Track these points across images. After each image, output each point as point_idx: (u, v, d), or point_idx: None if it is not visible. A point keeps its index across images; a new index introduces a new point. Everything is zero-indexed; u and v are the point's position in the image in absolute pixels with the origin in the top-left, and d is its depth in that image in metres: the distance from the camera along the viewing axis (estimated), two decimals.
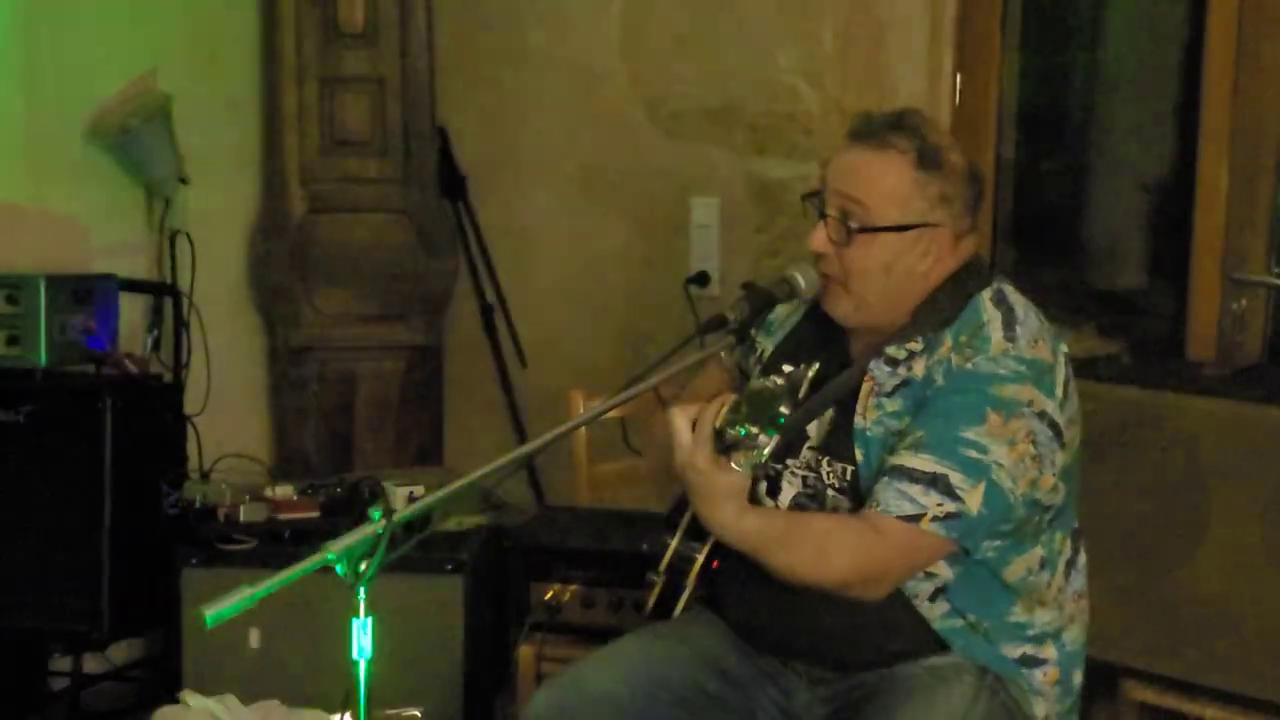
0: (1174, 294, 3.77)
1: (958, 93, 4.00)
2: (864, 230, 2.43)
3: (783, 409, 2.17)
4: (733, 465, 2.25)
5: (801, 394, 2.20)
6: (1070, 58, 4.17)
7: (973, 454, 2.33)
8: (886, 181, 2.43)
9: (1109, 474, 3.11)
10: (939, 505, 2.32)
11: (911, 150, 2.43)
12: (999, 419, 2.34)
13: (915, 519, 2.32)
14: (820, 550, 2.37)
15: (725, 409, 2.25)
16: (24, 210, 4.04)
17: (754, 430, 2.18)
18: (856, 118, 2.55)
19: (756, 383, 2.24)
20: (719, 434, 2.25)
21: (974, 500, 2.33)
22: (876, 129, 2.46)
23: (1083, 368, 2.74)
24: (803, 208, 2.56)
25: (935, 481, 2.32)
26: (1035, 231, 4.14)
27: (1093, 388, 3.07)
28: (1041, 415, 2.37)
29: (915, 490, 2.33)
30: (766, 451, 2.19)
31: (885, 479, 2.36)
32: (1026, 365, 2.38)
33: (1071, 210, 4.11)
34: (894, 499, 2.34)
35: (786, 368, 2.30)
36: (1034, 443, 2.36)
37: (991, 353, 2.38)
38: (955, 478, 2.32)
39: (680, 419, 2.31)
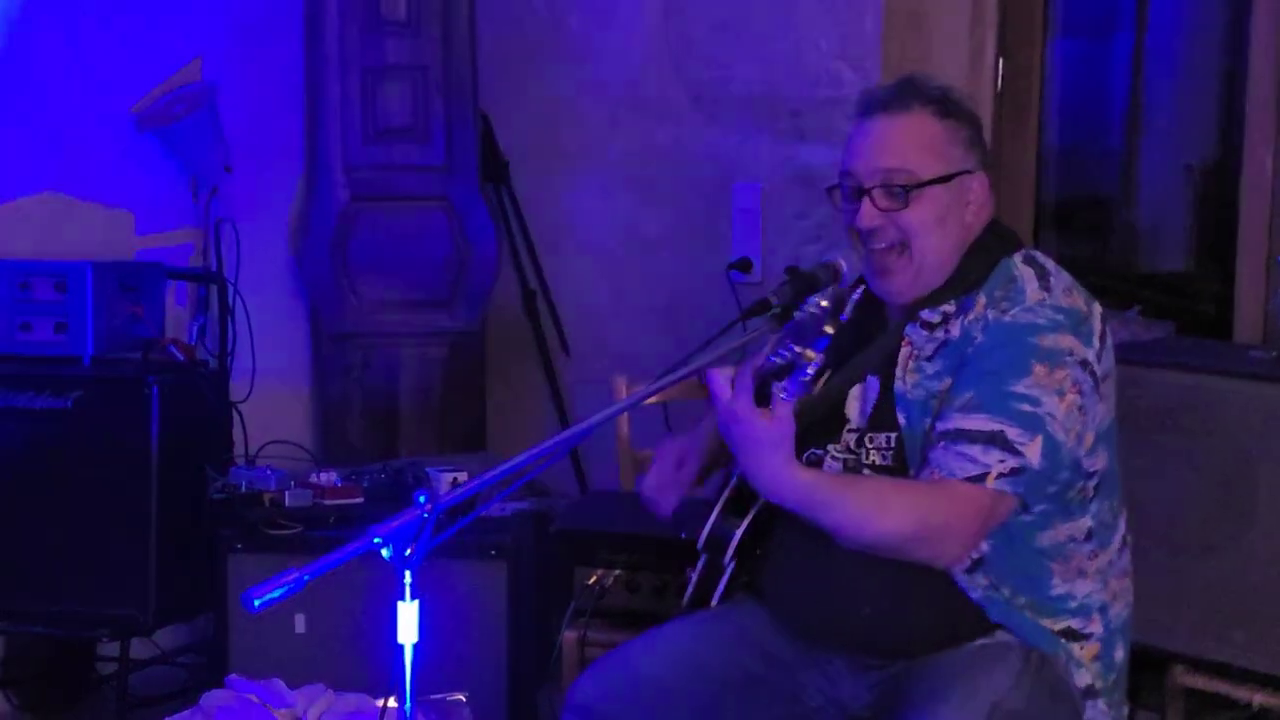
0: (1220, 277, 3.75)
1: (1000, 77, 3.98)
2: (917, 187, 2.44)
3: (826, 328, 2.18)
4: (777, 394, 2.25)
5: (846, 315, 2.20)
6: (1114, 41, 4.15)
7: (1025, 407, 2.33)
8: (921, 137, 2.46)
9: (1155, 458, 3.10)
10: (1001, 462, 2.31)
11: (932, 103, 2.47)
12: (1044, 369, 2.34)
13: (980, 479, 2.32)
14: (880, 502, 2.35)
15: (766, 349, 2.26)
16: (72, 200, 4.08)
17: (798, 350, 2.19)
18: (861, 96, 2.56)
19: (799, 314, 2.24)
20: (762, 380, 2.25)
21: (1033, 453, 2.32)
22: (891, 96, 2.49)
23: (1128, 352, 2.73)
24: (831, 199, 2.57)
25: (993, 439, 2.32)
26: (1079, 216, 4.13)
27: (1138, 372, 3.06)
28: (1084, 364, 2.37)
29: (975, 450, 2.32)
30: (811, 369, 2.18)
31: (942, 444, 2.35)
32: (1064, 314, 2.38)
33: (1116, 194, 4.10)
34: (955, 461, 2.33)
35: (822, 302, 2.31)
36: (1080, 393, 2.36)
37: (1028, 303, 2.39)
38: (1012, 432, 2.32)
39: (718, 376, 2.31)
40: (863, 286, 2.58)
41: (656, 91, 4.47)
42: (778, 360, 2.26)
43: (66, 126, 4.05)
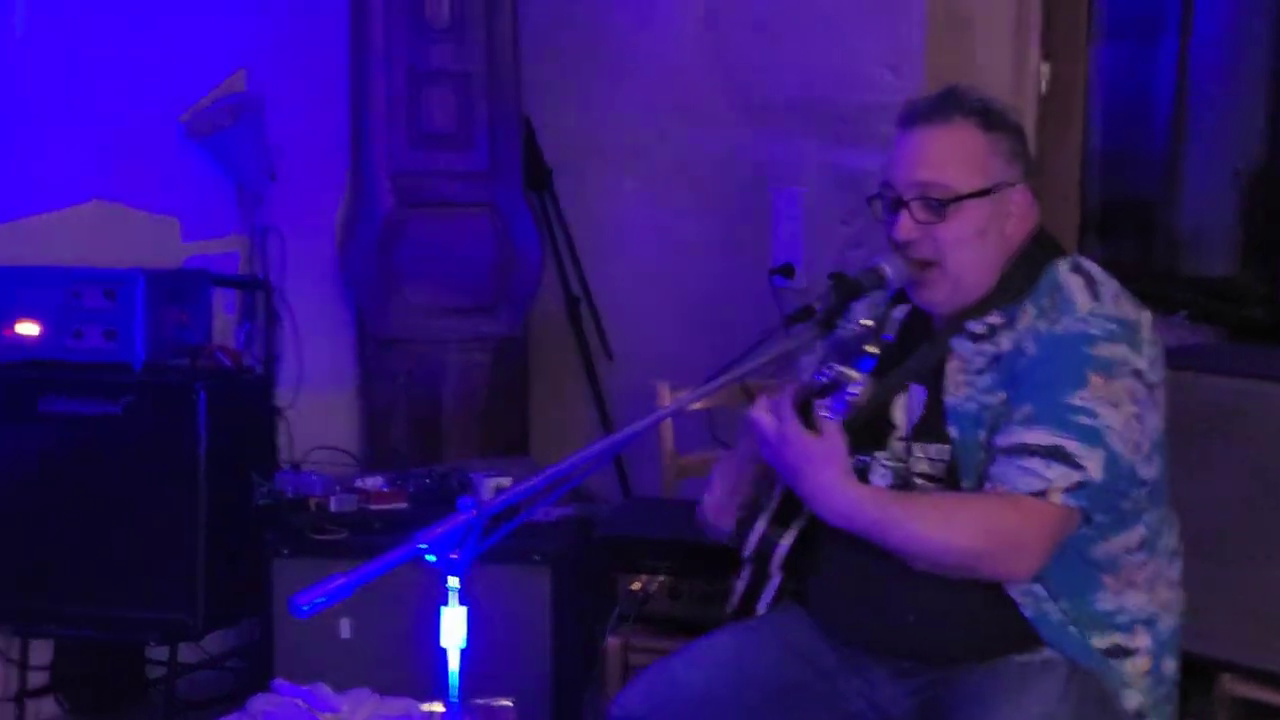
0: (1267, 281, 3.72)
1: (1044, 81, 3.97)
2: (954, 200, 2.43)
3: (869, 348, 2.17)
4: (821, 413, 2.25)
5: (890, 335, 2.20)
6: (1159, 44, 4.13)
7: (1084, 420, 2.32)
8: (961, 150, 2.45)
9: (1202, 465, 3.07)
10: (1064, 476, 2.31)
11: (974, 114, 2.46)
12: (1100, 380, 2.33)
13: (1043, 494, 2.31)
14: (947, 519, 2.34)
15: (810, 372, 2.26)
16: (121, 208, 4.11)
17: (841, 369, 2.18)
18: (904, 108, 2.55)
19: (842, 331, 2.24)
20: (805, 403, 2.25)
21: (1095, 466, 2.31)
22: (931, 108, 2.48)
23: (1174, 357, 2.71)
24: (872, 209, 2.56)
25: (1054, 453, 2.31)
26: (1124, 220, 4.10)
27: (1185, 377, 3.03)
28: (1137, 374, 2.37)
29: (1036, 464, 2.31)
30: (859, 389, 2.18)
31: (1003, 459, 2.34)
32: (1115, 323, 2.37)
33: (1161, 198, 4.07)
34: (1017, 476, 2.32)
35: (865, 320, 2.30)
36: (1136, 403, 2.35)
37: (1079, 313, 2.38)
38: (1072, 446, 2.31)
39: (758, 412, 2.31)
40: (907, 305, 2.57)
41: (699, 97, 4.47)
42: (821, 380, 2.25)
43: (115, 135, 4.09)
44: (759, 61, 4.33)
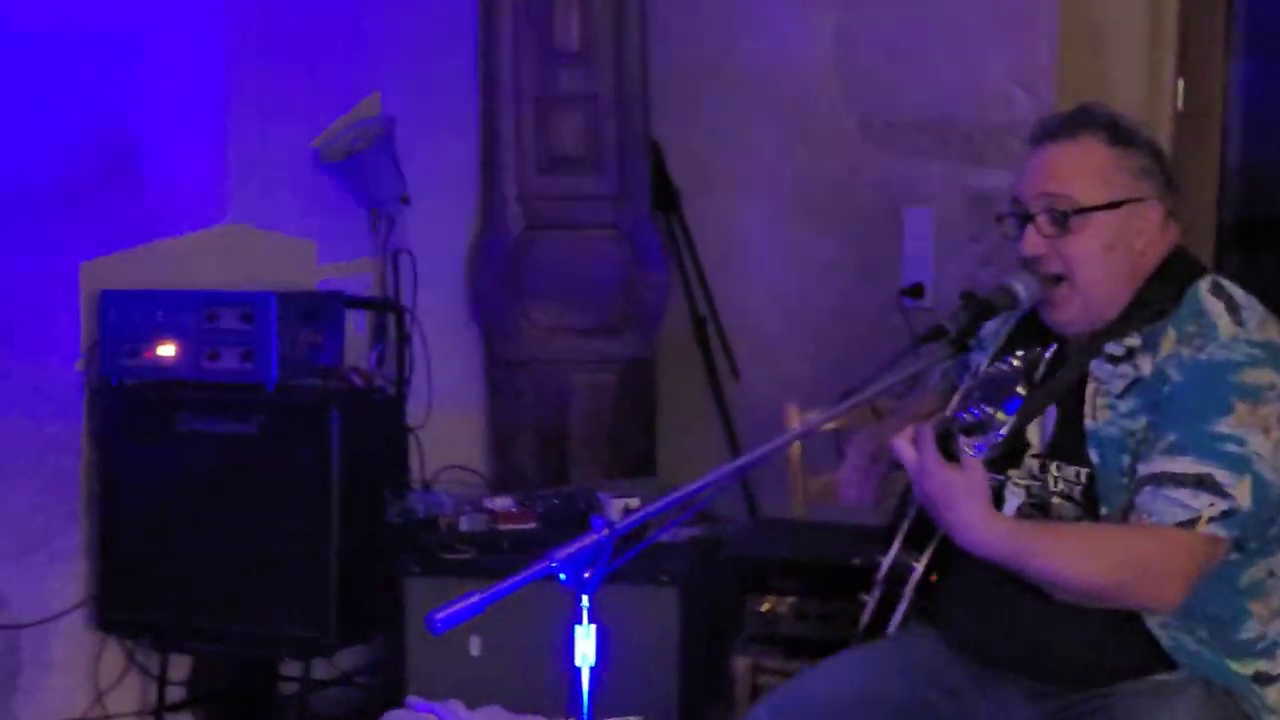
0: None
1: (1180, 97, 3.91)
2: (1079, 213, 2.41)
3: (1019, 389, 2.15)
4: (965, 449, 2.23)
5: (1037, 376, 2.18)
6: None
7: (1231, 448, 2.28)
8: (1087, 164, 2.43)
9: None
10: (1211, 505, 2.27)
11: (1103, 130, 2.44)
12: (1247, 407, 2.30)
13: (1191, 524, 2.27)
14: (1089, 550, 2.32)
15: (954, 401, 2.24)
16: (256, 231, 4.19)
17: (989, 410, 2.16)
18: (1035, 125, 2.54)
19: (989, 368, 2.23)
20: (946, 433, 2.24)
21: (1243, 495, 2.28)
22: (1060, 124, 2.48)
23: None
24: (1002, 227, 2.54)
25: (1201, 482, 2.27)
26: (1263, 236, 4.03)
27: None
28: None
29: (1183, 494, 2.28)
30: (1004, 431, 2.16)
31: (1148, 489, 2.31)
32: (1261, 348, 2.33)
33: None
34: (1164, 507, 2.29)
35: (1019, 353, 2.28)
36: None
37: (1222, 339, 2.34)
38: (1220, 475, 2.28)
39: (900, 442, 2.31)
40: (1053, 344, 2.54)
41: (826, 117, 4.46)
42: (967, 418, 2.24)
43: (251, 159, 4.17)
44: (887, 81, 4.32)
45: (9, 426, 3.72)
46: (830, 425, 2.97)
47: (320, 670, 4.12)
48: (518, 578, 1.99)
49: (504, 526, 3.83)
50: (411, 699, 3.16)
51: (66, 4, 3.76)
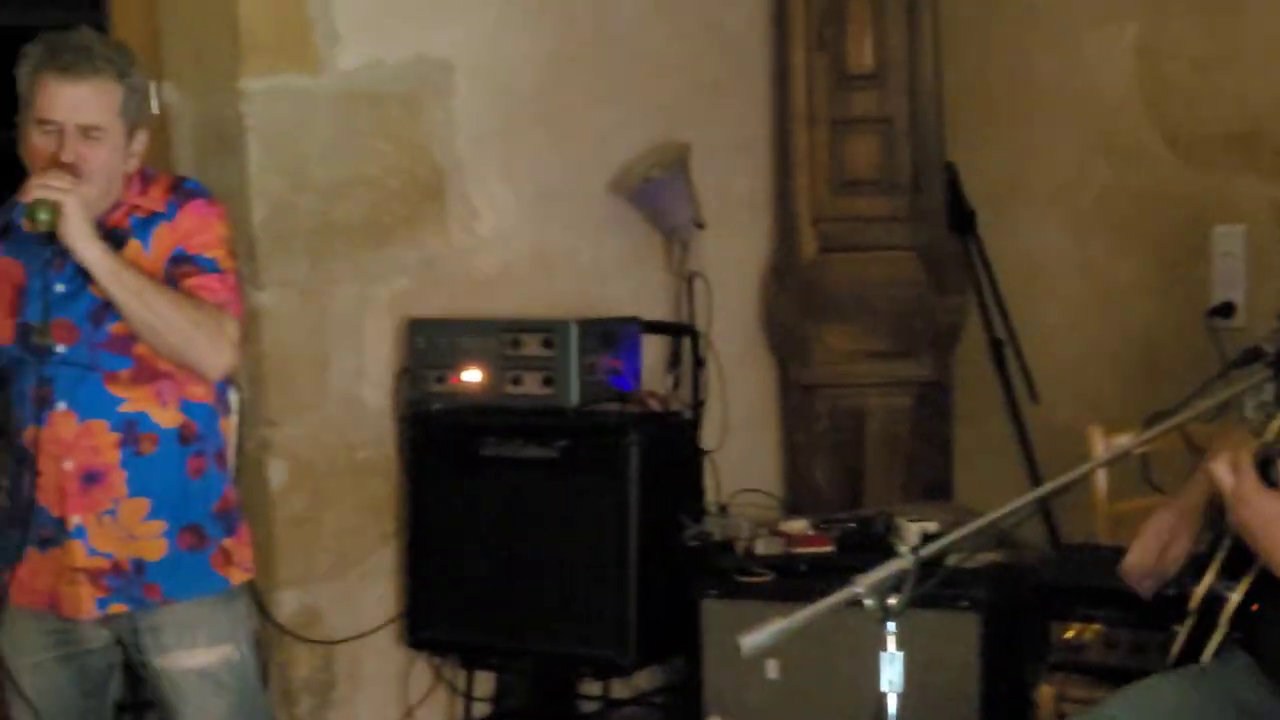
0: None
1: None
2: None
3: None
4: None
5: None
6: None
7: None
8: None
9: None
10: None
11: None
12: None
13: None
14: None
15: (1274, 425, 2.17)
16: (557, 260, 4.29)
17: None
18: None
19: None
20: (1266, 460, 2.17)
21: None
22: None
23: None
24: None
25: None
26: None
27: None
28: None
29: None
30: None
31: None
32: None
33: None
34: None
35: None
36: None
37: None
38: None
39: (1218, 465, 2.24)
40: None
41: (1127, 133, 4.37)
42: None
43: (549, 187, 4.27)
44: (1193, 95, 4.19)
45: (326, 452, 3.88)
46: (1138, 450, 2.90)
47: (618, 689, 4.18)
48: (824, 602, 2.00)
49: (800, 550, 3.82)
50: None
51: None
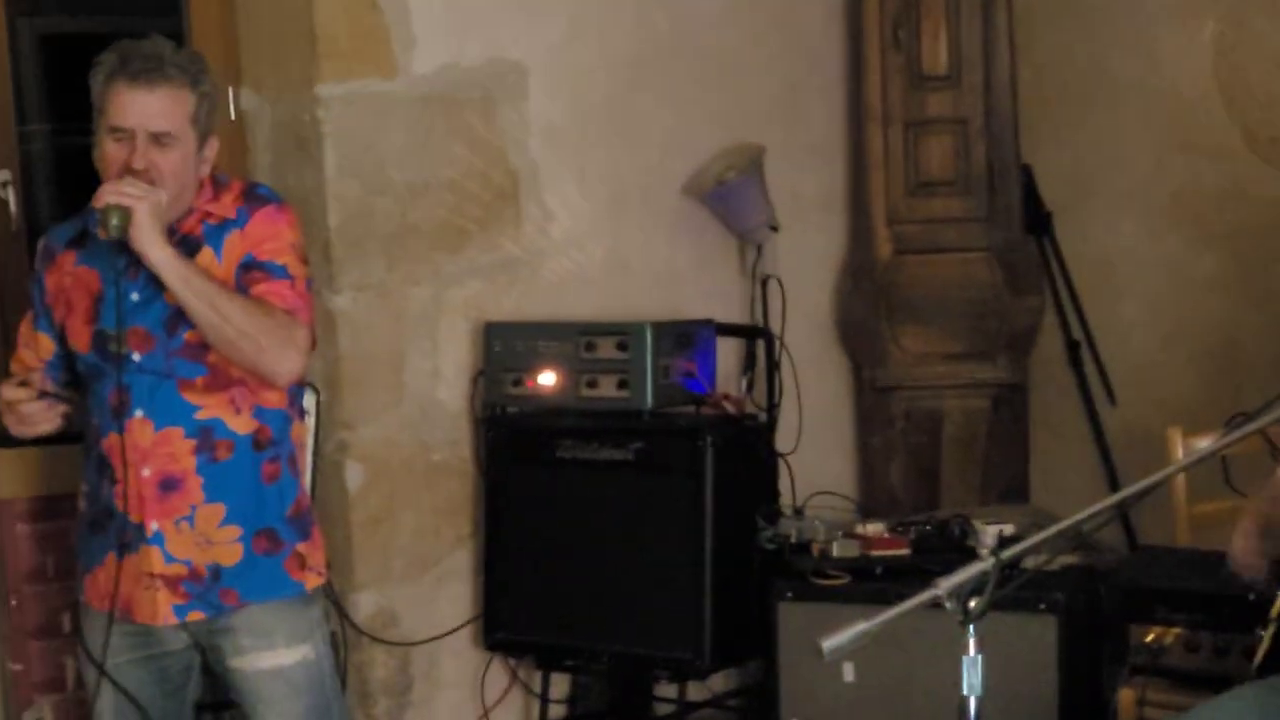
0: None
1: None
2: None
3: None
4: None
5: None
6: None
7: None
8: None
9: None
10: None
11: None
12: None
13: None
14: None
15: None
16: (630, 261, 4.30)
17: None
18: None
19: None
20: None
21: None
22: None
23: None
24: None
25: None
26: None
27: None
28: None
29: None
30: None
31: None
32: None
33: None
34: None
35: None
36: None
37: None
38: None
39: None
40: None
41: (1205, 131, 4.33)
42: None
43: (624, 190, 4.28)
44: (1272, 93, 4.15)
45: (402, 453, 3.91)
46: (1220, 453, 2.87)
47: (694, 692, 4.18)
48: (905, 605, 1.99)
49: (876, 553, 3.80)
50: None
51: None
